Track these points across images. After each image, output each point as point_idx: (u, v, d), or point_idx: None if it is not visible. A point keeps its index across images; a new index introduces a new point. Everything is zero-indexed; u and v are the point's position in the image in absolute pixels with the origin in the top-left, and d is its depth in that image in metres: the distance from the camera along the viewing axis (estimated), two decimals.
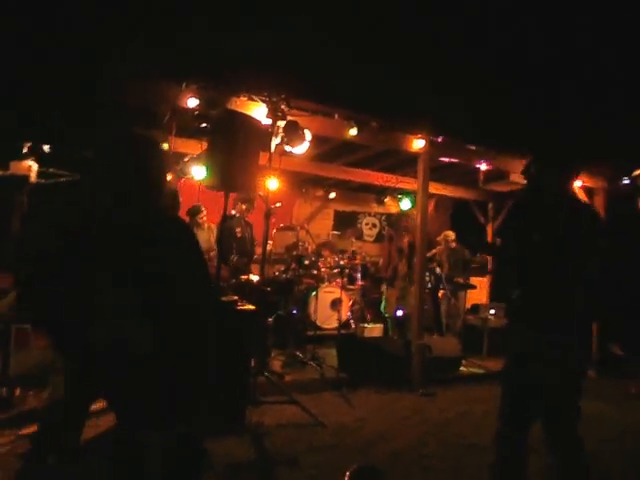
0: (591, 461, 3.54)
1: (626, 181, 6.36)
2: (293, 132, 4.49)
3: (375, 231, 10.26)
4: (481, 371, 6.10)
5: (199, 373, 2.07)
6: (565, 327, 2.36)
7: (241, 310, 4.05)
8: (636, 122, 6.56)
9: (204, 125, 4.88)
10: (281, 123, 4.48)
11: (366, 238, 10.07)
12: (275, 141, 4.44)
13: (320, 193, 9.35)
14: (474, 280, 7.86)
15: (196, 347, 2.03)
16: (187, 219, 6.47)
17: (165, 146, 4.75)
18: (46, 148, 4.78)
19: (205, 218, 6.46)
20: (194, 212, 6.35)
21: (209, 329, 2.16)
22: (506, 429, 2.49)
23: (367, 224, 10.20)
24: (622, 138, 6.08)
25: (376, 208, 10.19)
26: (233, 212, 6.18)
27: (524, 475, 2.46)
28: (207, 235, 6.37)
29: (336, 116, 5.23)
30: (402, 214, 7.65)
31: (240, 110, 4.53)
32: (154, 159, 2.05)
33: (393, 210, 10.08)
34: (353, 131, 5.22)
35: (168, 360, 1.91)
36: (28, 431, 3.53)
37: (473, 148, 6.01)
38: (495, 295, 8.80)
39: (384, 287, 7.37)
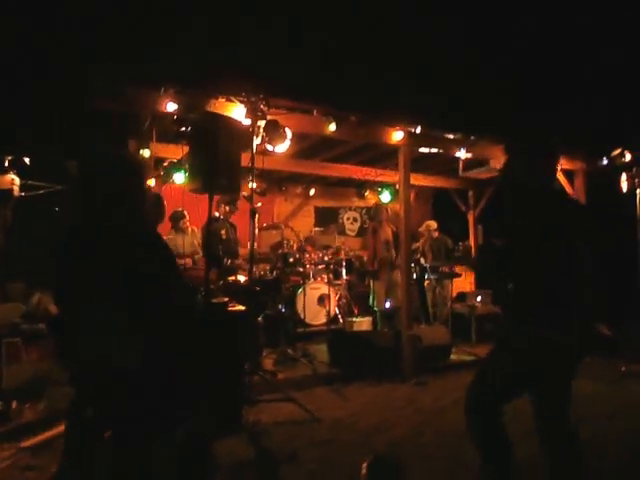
0: (585, 440, 3.65)
1: (605, 162, 6.43)
2: (274, 131, 4.49)
3: (357, 225, 10.31)
4: (471, 358, 6.18)
5: (197, 373, 2.09)
6: (564, 325, 2.32)
7: (232, 311, 4.06)
8: (613, 103, 6.67)
9: (184, 129, 4.87)
10: (261, 122, 4.48)
11: (348, 233, 10.12)
12: (256, 141, 4.44)
13: (300, 190, 9.38)
14: (458, 269, 7.95)
15: (192, 346, 2.05)
16: (170, 224, 6.44)
17: (147, 153, 4.71)
18: (27, 160, 4.72)
19: (188, 223, 6.44)
20: (177, 217, 6.33)
21: (202, 328, 2.19)
22: (490, 401, 2.47)
23: (348, 219, 10.25)
24: (598, 119, 6.17)
25: (357, 202, 10.26)
26: (216, 214, 6.16)
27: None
28: (191, 239, 6.36)
29: (314, 112, 5.25)
30: (381, 205, 7.68)
31: (219, 112, 4.53)
32: (129, 178, 2.07)
33: (373, 203, 10.15)
34: (332, 126, 5.24)
35: (165, 361, 1.93)
36: (28, 443, 3.52)
37: (451, 137, 6.07)
38: (481, 283, 8.90)
39: (371, 281, 7.39)
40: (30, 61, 4.67)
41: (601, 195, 6.78)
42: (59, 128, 5.34)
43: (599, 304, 2.47)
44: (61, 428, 3.84)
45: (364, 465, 1.08)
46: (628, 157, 6.04)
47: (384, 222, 7.19)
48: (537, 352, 2.33)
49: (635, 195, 6.07)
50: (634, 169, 6.05)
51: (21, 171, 5.37)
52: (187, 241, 6.09)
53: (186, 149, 4.94)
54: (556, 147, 2.58)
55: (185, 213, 6.39)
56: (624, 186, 6.13)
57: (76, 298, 1.93)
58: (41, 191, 6.83)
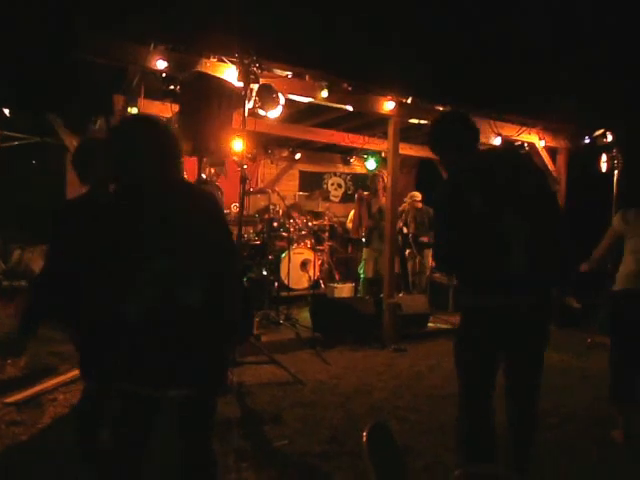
0: (549, 410, 3.85)
1: (587, 141, 6.54)
2: (267, 96, 4.45)
3: (341, 191, 10.32)
4: (448, 326, 6.35)
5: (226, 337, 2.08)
6: (518, 288, 2.33)
7: None
8: (598, 84, 6.73)
9: (172, 87, 4.79)
10: (254, 86, 4.43)
11: (332, 199, 10.13)
12: (248, 105, 4.39)
13: (285, 154, 9.31)
14: None
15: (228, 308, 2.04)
16: None
17: (134, 110, 4.64)
18: (7, 112, 4.61)
19: None
20: None
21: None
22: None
23: (333, 184, 10.24)
24: (585, 98, 6.24)
25: (341, 168, 10.24)
26: (203, 176, 6.12)
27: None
28: None
29: (307, 77, 5.20)
30: (377, 174, 7.68)
31: (211, 73, 4.45)
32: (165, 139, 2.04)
33: (358, 170, 10.17)
34: (324, 93, 5.20)
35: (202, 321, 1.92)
36: (13, 399, 3.56)
37: (441, 109, 6.08)
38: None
39: (363, 249, 7.42)
40: (13, 11, 4.51)
41: (585, 173, 6.91)
42: (41, 80, 5.20)
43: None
44: (45, 384, 3.90)
45: (364, 434, 1.14)
46: (610, 138, 6.16)
47: (380, 191, 7.19)
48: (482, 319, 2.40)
49: (613, 175, 6.23)
50: (614, 150, 6.18)
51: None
52: None
53: (174, 107, 4.87)
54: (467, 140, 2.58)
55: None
56: (603, 166, 6.28)
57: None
58: (16, 142, 6.70)
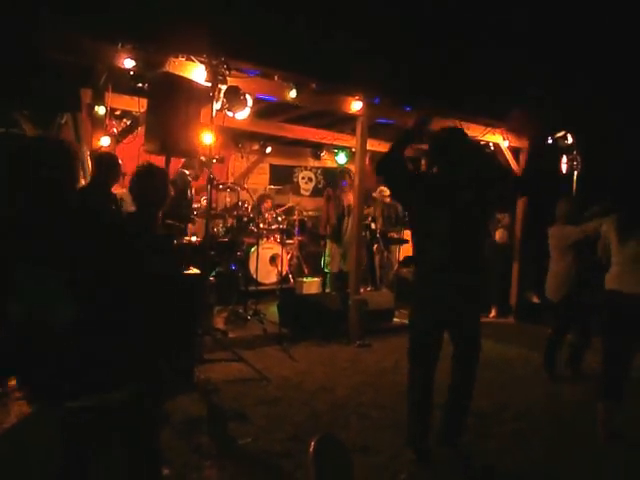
0: (505, 403, 4.03)
1: (549, 141, 6.74)
2: (234, 97, 4.48)
3: (311, 185, 10.39)
4: None
5: (154, 331, 2.14)
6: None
7: (188, 274, 4.15)
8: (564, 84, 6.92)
9: (141, 85, 4.79)
10: (222, 87, 4.45)
11: (302, 192, 10.20)
12: (216, 106, 4.42)
13: (256, 147, 9.31)
14: (407, 235, 8.21)
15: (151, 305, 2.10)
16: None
17: (101, 110, 4.62)
18: None
19: None
20: None
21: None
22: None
23: (303, 178, 10.30)
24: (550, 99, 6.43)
25: (312, 162, 10.30)
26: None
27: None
28: None
29: (276, 77, 5.24)
30: (345, 171, 7.78)
31: (179, 72, 4.47)
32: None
33: (329, 164, 10.24)
34: (292, 93, 5.26)
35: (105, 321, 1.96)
36: None
37: (408, 109, 6.19)
38: None
39: (329, 243, 7.53)
40: None
41: (547, 173, 7.11)
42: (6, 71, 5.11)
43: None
44: (11, 381, 3.88)
45: (312, 444, 1.20)
46: (570, 140, 6.36)
47: (348, 188, 7.29)
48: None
49: (572, 176, 6.46)
50: (574, 152, 6.40)
51: None
52: None
53: (142, 101, 4.86)
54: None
55: None
56: (564, 167, 6.50)
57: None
58: None
